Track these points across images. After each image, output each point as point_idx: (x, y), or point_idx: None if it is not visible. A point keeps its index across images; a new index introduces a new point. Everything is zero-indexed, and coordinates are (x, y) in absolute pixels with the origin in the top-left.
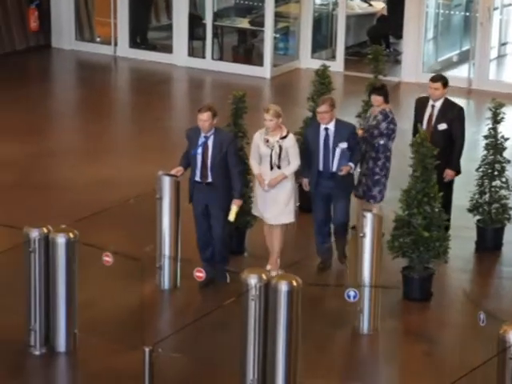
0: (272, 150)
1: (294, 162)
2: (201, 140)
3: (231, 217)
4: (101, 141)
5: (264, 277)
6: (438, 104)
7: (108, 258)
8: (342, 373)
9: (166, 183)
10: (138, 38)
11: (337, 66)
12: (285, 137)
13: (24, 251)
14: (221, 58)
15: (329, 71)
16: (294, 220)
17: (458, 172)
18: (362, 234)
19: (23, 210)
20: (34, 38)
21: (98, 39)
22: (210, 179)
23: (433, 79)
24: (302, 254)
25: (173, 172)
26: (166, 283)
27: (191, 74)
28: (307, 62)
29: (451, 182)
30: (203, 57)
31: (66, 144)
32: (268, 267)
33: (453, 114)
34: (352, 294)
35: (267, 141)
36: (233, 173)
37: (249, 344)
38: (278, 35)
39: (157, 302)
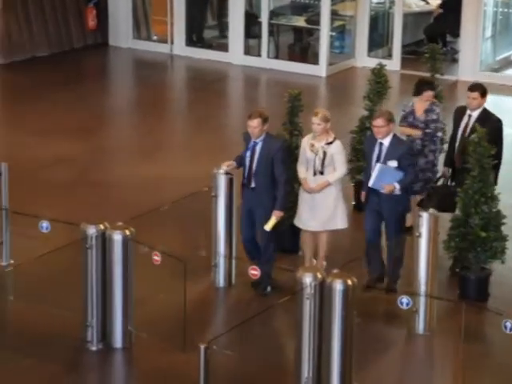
0: (316, 156)
1: (339, 169)
2: (251, 144)
3: (268, 227)
4: (156, 139)
5: (319, 275)
6: (475, 114)
7: (157, 257)
8: (397, 373)
9: (222, 181)
10: (194, 37)
11: (393, 64)
12: (331, 143)
13: (81, 248)
14: (276, 57)
15: (385, 70)
16: (346, 226)
17: (495, 184)
18: (417, 234)
19: (80, 207)
20: (92, 36)
21: (155, 38)
22: (253, 184)
23: (471, 88)
24: (359, 253)
25: (224, 165)
26: (221, 281)
27: (247, 72)
28: (363, 60)
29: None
30: (259, 55)
31: (123, 142)
32: None
33: (489, 126)
34: (405, 301)
35: (312, 145)
36: (278, 181)
37: (303, 342)
38: (334, 33)
39: (212, 300)
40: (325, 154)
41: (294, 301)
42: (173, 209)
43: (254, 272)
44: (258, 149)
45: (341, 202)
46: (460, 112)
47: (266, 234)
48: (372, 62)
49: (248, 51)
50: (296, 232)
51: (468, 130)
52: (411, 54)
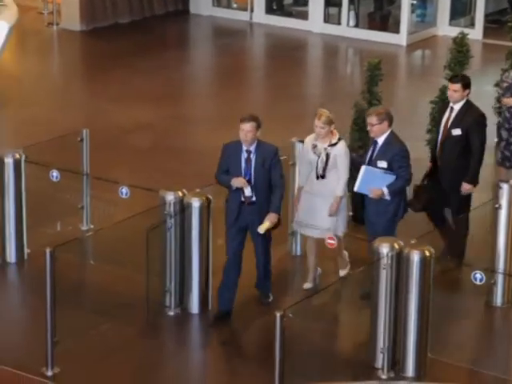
0: (319, 158)
1: (343, 175)
2: (243, 156)
3: (261, 229)
4: (235, 107)
5: (396, 246)
6: (457, 107)
7: (332, 241)
8: (474, 346)
9: (299, 150)
10: (274, 5)
11: (475, 33)
12: (334, 144)
13: (160, 214)
14: (356, 25)
15: (467, 39)
16: (346, 230)
17: (475, 184)
18: (497, 206)
19: (159, 173)
20: (173, 3)
21: (235, 5)
22: (253, 198)
23: (452, 80)
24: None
25: (241, 183)
26: (297, 249)
27: (326, 40)
28: (445, 29)
29: (469, 195)
30: (339, 23)
31: (201, 109)
32: (305, 285)
33: (471, 120)
34: (478, 276)
35: (315, 146)
36: (275, 185)
37: (379, 313)
38: (415, 1)
39: (288, 268)
40: (328, 156)
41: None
42: None
43: (331, 241)
44: (252, 157)
45: (343, 208)
46: (445, 105)
47: (265, 251)
48: (454, 31)
49: (328, 19)
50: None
51: (449, 123)
52: (494, 22)
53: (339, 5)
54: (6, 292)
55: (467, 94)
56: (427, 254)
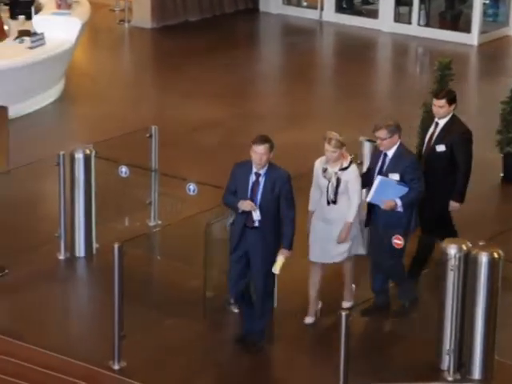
0: (329, 182)
1: (353, 201)
2: (251, 179)
3: (276, 269)
4: (303, 105)
5: (464, 247)
6: (442, 122)
7: (399, 241)
8: None
9: (367, 148)
10: (344, 3)
11: None
12: (346, 168)
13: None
14: (427, 24)
15: None
16: (365, 252)
17: (462, 201)
18: None
19: (226, 171)
20: (243, 1)
21: (305, 4)
22: (256, 223)
23: (437, 95)
24: (505, 226)
25: (248, 207)
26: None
27: (396, 39)
28: None
29: (448, 216)
30: (409, 23)
31: (270, 107)
32: (307, 320)
33: (456, 136)
34: None
35: (325, 170)
36: (285, 216)
37: (446, 313)
38: (487, 1)
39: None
40: (338, 180)
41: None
42: None
43: (398, 242)
44: (261, 181)
45: (358, 230)
46: (431, 120)
47: (265, 283)
48: None
49: (398, 18)
50: None
51: (433, 139)
52: None
53: (410, 4)
54: (75, 286)
55: (453, 109)
56: (496, 255)
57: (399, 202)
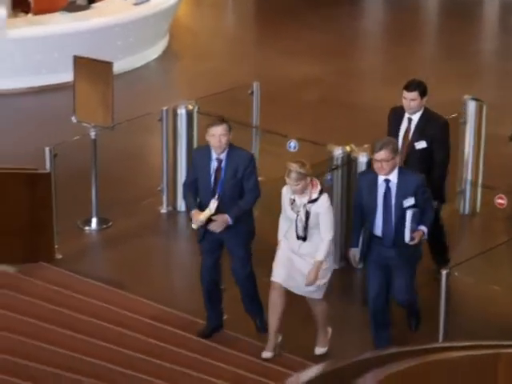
0: (297, 216)
1: (325, 236)
2: (212, 166)
3: (202, 217)
4: (404, 64)
5: None
6: (416, 117)
7: (502, 201)
8: None
9: (472, 107)
10: None
11: None
12: (315, 200)
13: (327, 168)
14: None
15: None
16: (321, 297)
17: (442, 201)
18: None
19: (327, 128)
20: None
21: None
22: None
23: (407, 87)
24: None
25: (199, 218)
26: (466, 208)
27: None
28: None
29: (437, 211)
30: None
31: (370, 65)
32: (264, 354)
33: (434, 130)
34: None
35: (293, 202)
36: (247, 192)
37: None
38: None
39: (455, 226)
40: (308, 214)
41: None
42: None
43: (501, 201)
44: (223, 167)
45: (327, 272)
46: (397, 115)
47: (244, 273)
48: None
49: None
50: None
51: (410, 136)
52: None
53: None
54: (177, 239)
55: (424, 102)
56: None
57: (425, 230)
